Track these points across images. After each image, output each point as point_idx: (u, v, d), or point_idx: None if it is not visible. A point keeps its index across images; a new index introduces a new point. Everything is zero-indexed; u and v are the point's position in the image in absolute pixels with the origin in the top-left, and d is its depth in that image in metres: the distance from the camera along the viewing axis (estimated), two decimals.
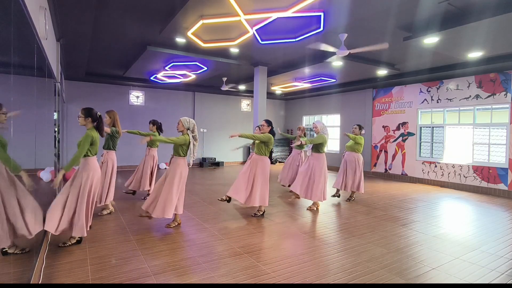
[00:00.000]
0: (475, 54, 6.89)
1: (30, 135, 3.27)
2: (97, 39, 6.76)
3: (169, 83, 11.68)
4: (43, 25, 3.51)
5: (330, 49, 5.95)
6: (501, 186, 7.99)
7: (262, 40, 6.16)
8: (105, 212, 5.49)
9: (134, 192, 6.90)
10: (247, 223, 5.26)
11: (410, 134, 10.20)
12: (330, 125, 13.22)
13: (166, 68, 9.03)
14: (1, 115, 3.43)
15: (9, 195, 2.65)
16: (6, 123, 2.66)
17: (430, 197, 7.66)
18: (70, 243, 3.99)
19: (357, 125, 7.01)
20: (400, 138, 10.48)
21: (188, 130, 4.77)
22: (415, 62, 8.11)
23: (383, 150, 11.05)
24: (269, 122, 5.58)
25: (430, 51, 6.80)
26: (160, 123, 6.73)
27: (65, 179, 8.99)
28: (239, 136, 5.25)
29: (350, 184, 6.86)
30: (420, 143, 10.07)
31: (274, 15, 5.01)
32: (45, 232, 4.15)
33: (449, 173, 9.10)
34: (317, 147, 6.06)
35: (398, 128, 10.56)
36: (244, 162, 14.66)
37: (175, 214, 4.88)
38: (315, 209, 6.17)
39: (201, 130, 13.43)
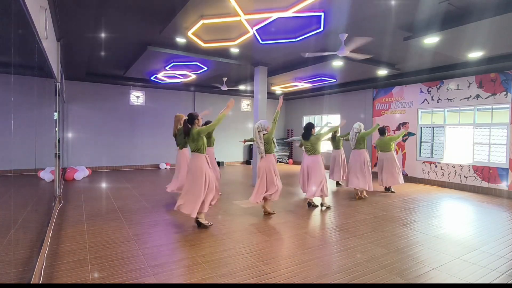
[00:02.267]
0: (475, 54, 6.89)
1: (30, 135, 3.27)
2: (98, 39, 6.76)
3: (170, 83, 11.68)
4: (44, 25, 3.51)
5: (326, 53, 5.97)
6: (502, 186, 7.98)
7: (262, 40, 6.16)
8: None
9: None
10: (247, 223, 5.26)
11: (410, 134, 10.19)
12: (331, 125, 13.20)
13: (167, 68, 9.03)
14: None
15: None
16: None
17: (431, 197, 7.65)
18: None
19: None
20: (401, 138, 10.47)
21: (260, 132, 5.47)
22: (416, 62, 8.11)
23: None
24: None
25: (431, 51, 6.80)
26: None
27: (65, 180, 9.01)
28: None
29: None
30: (421, 143, 10.07)
31: (274, 15, 5.01)
32: (45, 232, 4.16)
33: (450, 173, 9.10)
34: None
35: (398, 128, 10.55)
36: (244, 162, 14.67)
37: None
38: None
39: None
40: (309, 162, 6.35)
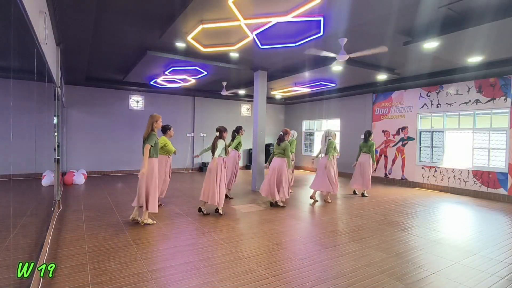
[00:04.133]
0: (474, 59, 6.91)
1: (30, 139, 3.26)
2: (97, 44, 6.77)
3: (169, 88, 11.70)
4: (43, 29, 3.52)
5: (330, 54, 5.95)
6: (501, 191, 7.97)
7: (262, 45, 6.18)
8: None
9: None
10: (247, 228, 5.25)
11: (410, 138, 10.20)
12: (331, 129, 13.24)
13: (166, 72, 9.05)
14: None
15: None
16: None
17: (430, 202, 7.64)
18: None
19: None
20: (400, 143, 10.48)
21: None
22: (415, 66, 8.13)
23: (382, 155, 11.04)
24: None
25: (430, 56, 6.82)
26: (167, 126, 6.67)
27: (64, 183, 9.00)
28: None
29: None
30: (420, 147, 10.07)
31: (274, 20, 5.02)
32: (45, 237, 4.14)
33: (449, 177, 9.09)
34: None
35: (398, 133, 10.56)
36: (243, 167, 14.65)
37: None
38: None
39: (201, 135, 13.43)
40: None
